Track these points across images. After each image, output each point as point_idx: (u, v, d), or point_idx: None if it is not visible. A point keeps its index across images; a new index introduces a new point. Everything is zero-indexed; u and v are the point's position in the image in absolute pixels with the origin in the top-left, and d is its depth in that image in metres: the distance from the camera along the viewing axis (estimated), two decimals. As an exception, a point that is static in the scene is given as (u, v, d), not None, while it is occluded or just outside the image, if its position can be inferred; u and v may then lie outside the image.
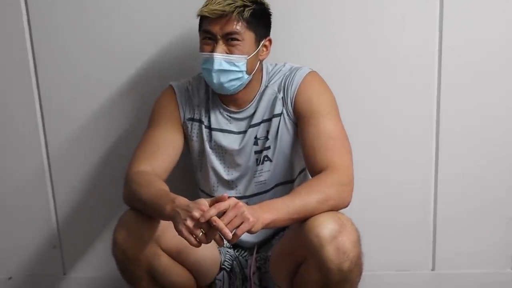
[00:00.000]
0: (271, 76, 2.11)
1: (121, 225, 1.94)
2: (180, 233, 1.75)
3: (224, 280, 2.16)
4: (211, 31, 1.97)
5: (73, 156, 2.49)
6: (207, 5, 1.97)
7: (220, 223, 1.72)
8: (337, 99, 2.08)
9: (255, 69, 2.05)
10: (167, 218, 1.81)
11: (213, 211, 1.73)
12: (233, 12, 1.95)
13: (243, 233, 1.74)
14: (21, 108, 2.46)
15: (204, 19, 2.00)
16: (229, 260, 2.18)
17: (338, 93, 2.09)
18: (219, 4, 1.94)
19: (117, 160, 2.46)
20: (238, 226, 1.73)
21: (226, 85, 2.01)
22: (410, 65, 2.34)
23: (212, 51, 1.98)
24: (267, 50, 2.07)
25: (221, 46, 1.97)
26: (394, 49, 2.33)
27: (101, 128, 2.46)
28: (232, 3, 1.95)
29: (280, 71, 2.11)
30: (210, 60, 1.98)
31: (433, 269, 2.54)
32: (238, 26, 1.96)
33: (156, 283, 2.02)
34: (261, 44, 2.03)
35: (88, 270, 2.60)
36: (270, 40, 2.08)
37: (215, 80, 2.00)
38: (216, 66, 1.97)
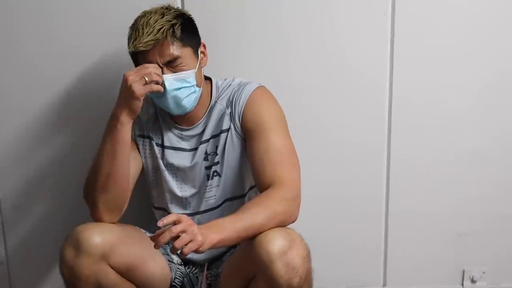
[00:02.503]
0: (221, 91, 2.11)
1: (68, 242, 1.91)
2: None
3: (174, 297, 2.14)
4: (152, 62, 1.94)
5: (20, 171, 2.43)
6: (136, 39, 1.92)
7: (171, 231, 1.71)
8: (286, 113, 2.07)
9: (202, 80, 2.05)
10: (118, 112, 1.93)
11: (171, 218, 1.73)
12: (166, 37, 1.92)
13: (190, 252, 1.72)
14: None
15: (138, 54, 1.95)
16: (179, 277, 2.15)
17: (287, 107, 2.09)
18: (149, 35, 1.91)
19: (66, 175, 2.42)
20: (186, 244, 1.71)
21: (184, 102, 1.99)
22: (361, 80, 2.36)
23: None
24: (205, 55, 2.07)
25: (166, 71, 1.95)
26: (345, 64, 2.35)
27: (49, 140, 2.41)
28: (161, 28, 1.92)
29: (229, 86, 2.11)
30: (162, 84, 1.95)
31: (384, 285, 2.55)
32: (174, 49, 1.94)
33: (104, 301, 1.99)
34: (199, 53, 2.03)
35: (35, 287, 2.55)
36: (204, 45, 2.07)
37: (171, 102, 1.98)
38: (169, 87, 1.95)
